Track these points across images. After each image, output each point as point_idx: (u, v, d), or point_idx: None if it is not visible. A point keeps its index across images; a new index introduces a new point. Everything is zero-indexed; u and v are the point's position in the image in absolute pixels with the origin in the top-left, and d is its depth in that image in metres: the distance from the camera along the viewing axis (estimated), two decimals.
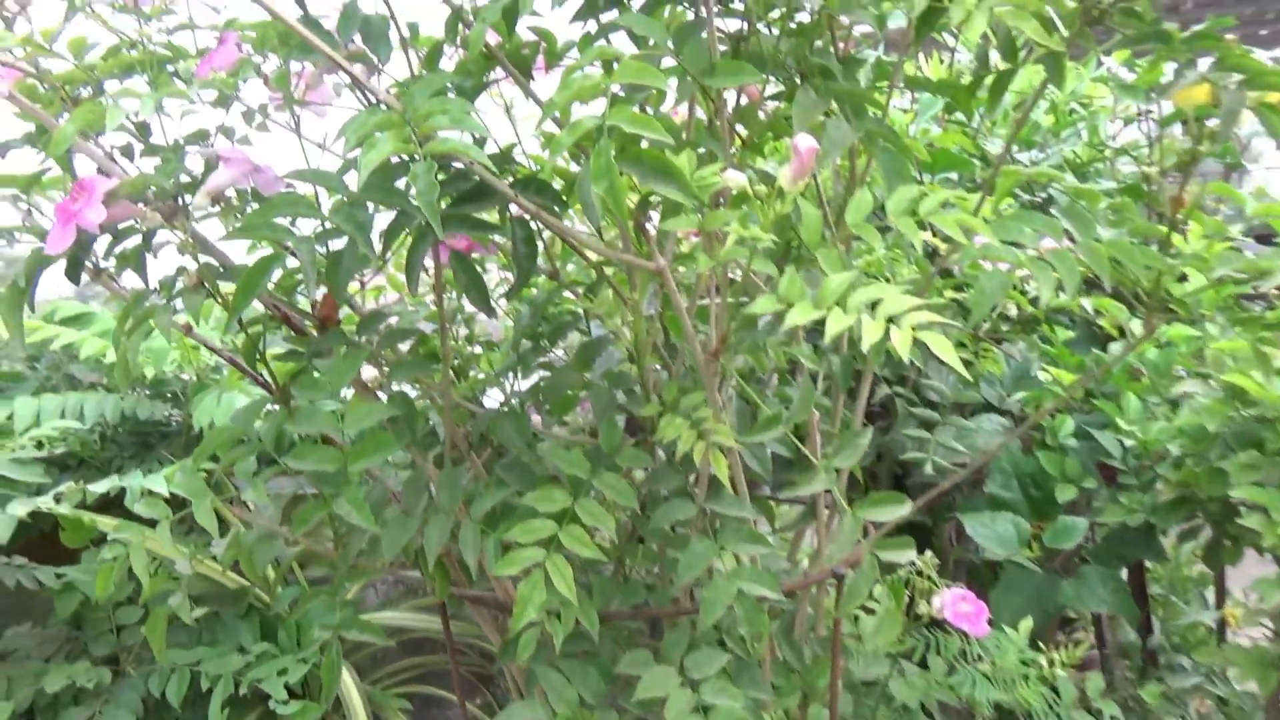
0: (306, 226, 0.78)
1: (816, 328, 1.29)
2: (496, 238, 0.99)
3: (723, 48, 0.81)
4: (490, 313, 0.88)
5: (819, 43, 0.86)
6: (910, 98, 1.62)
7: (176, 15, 1.08)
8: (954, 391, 1.60)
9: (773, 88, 0.95)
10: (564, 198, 0.88)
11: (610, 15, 0.80)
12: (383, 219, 0.81)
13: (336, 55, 0.72)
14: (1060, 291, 0.69)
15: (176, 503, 1.54)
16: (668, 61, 0.76)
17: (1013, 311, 1.60)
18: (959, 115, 1.73)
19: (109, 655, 1.58)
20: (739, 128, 0.93)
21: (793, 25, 0.85)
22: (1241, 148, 1.79)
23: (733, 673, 0.96)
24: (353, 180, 0.82)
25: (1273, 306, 1.16)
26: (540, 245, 1.24)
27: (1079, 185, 1.42)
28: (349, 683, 1.52)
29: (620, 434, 1.02)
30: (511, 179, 0.87)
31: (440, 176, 0.87)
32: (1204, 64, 0.72)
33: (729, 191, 0.71)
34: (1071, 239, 0.72)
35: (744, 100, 0.95)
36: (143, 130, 0.94)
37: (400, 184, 0.76)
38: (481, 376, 1.25)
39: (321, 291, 0.84)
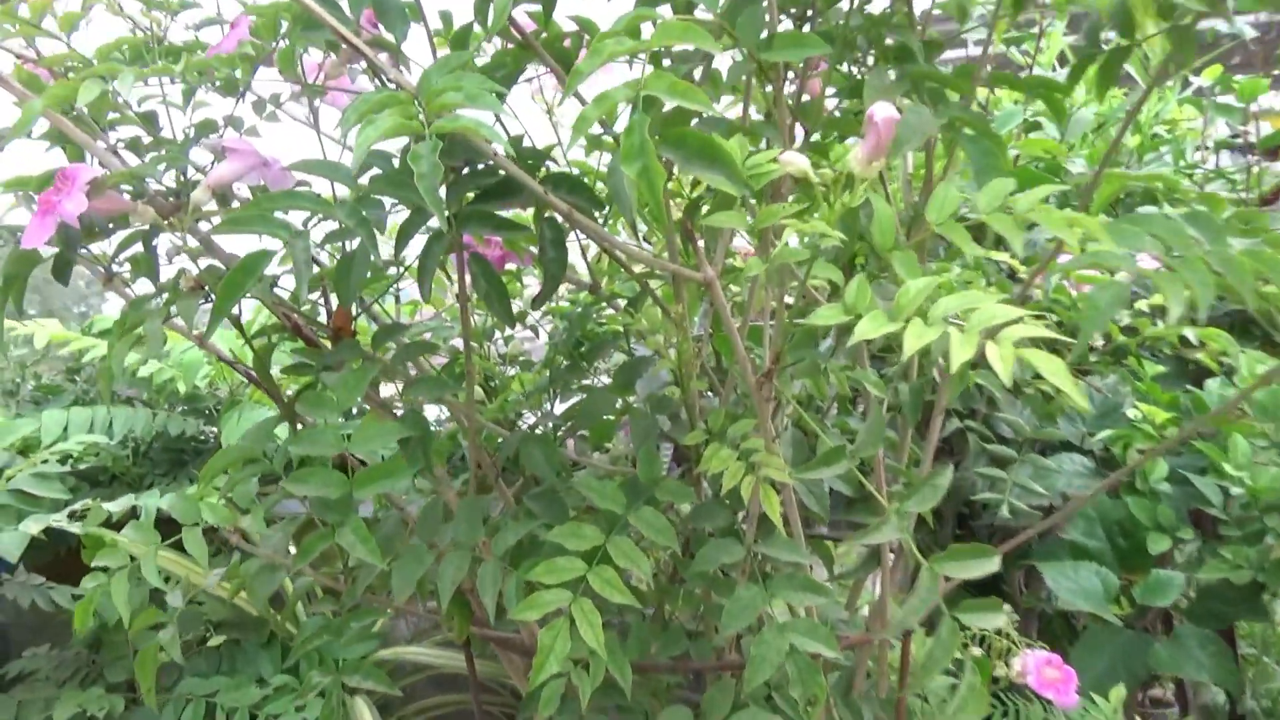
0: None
1: (882, 354, 1.16)
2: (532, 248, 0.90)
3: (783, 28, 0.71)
4: (511, 323, 0.78)
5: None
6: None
7: (202, 9, 1.03)
8: (1030, 427, 1.46)
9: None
10: (602, 201, 0.79)
11: None
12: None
13: (344, 29, 0.63)
14: (1186, 310, 0.57)
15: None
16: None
17: (1099, 340, 1.47)
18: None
19: (125, 681, 1.51)
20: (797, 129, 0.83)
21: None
22: None
23: None
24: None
25: None
26: (582, 257, 1.15)
27: (1201, 192, 1.28)
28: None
29: (660, 465, 0.91)
30: (542, 176, 0.78)
31: (465, 171, 0.79)
32: None
33: (787, 184, 0.61)
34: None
35: (805, 98, 0.85)
36: (149, 122, 0.87)
37: None
38: (516, 397, 1.15)
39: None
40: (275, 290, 0.86)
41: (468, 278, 0.77)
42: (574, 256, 1.04)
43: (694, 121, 0.67)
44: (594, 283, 1.10)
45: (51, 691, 1.45)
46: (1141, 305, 1.30)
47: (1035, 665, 0.92)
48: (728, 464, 0.81)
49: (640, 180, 0.50)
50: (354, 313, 0.92)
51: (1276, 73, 1.91)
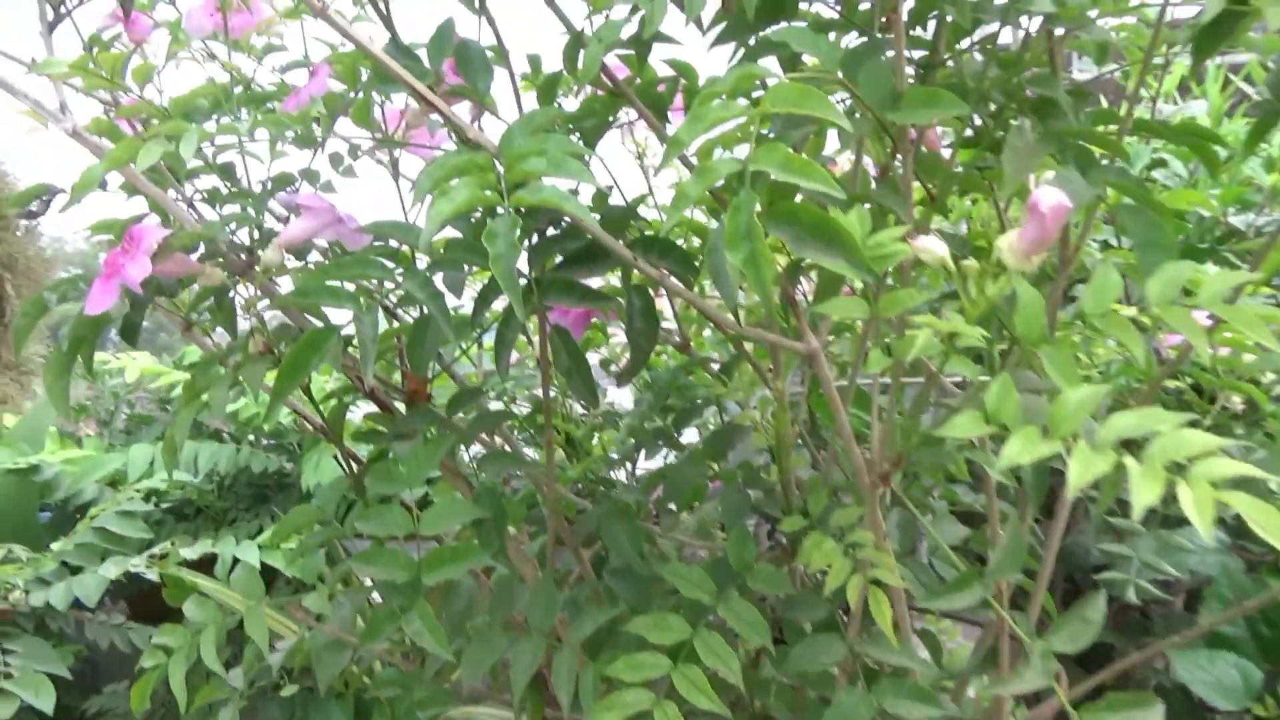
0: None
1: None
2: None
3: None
4: (594, 403, 0.71)
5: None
6: None
7: (288, 52, 1.00)
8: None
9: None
10: (696, 261, 0.71)
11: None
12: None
13: (419, 85, 0.58)
14: None
15: (269, 571, 1.45)
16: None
17: (1238, 405, 1.32)
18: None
19: None
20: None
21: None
22: None
23: None
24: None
25: None
26: (670, 305, 1.08)
27: None
28: None
29: (753, 548, 0.83)
30: (632, 238, 0.71)
31: (549, 232, 0.73)
32: None
33: (909, 264, 0.53)
34: None
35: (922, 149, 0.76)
36: (228, 173, 0.84)
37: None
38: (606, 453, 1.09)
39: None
40: (349, 350, 0.81)
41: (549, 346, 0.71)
42: (661, 302, 0.98)
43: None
44: (683, 338, 1.03)
45: None
46: None
47: None
48: (832, 559, 0.73)
49: (747, 268, 0.43)
50: (432, 373, 0.87)
51: None
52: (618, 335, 1.22)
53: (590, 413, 1.17)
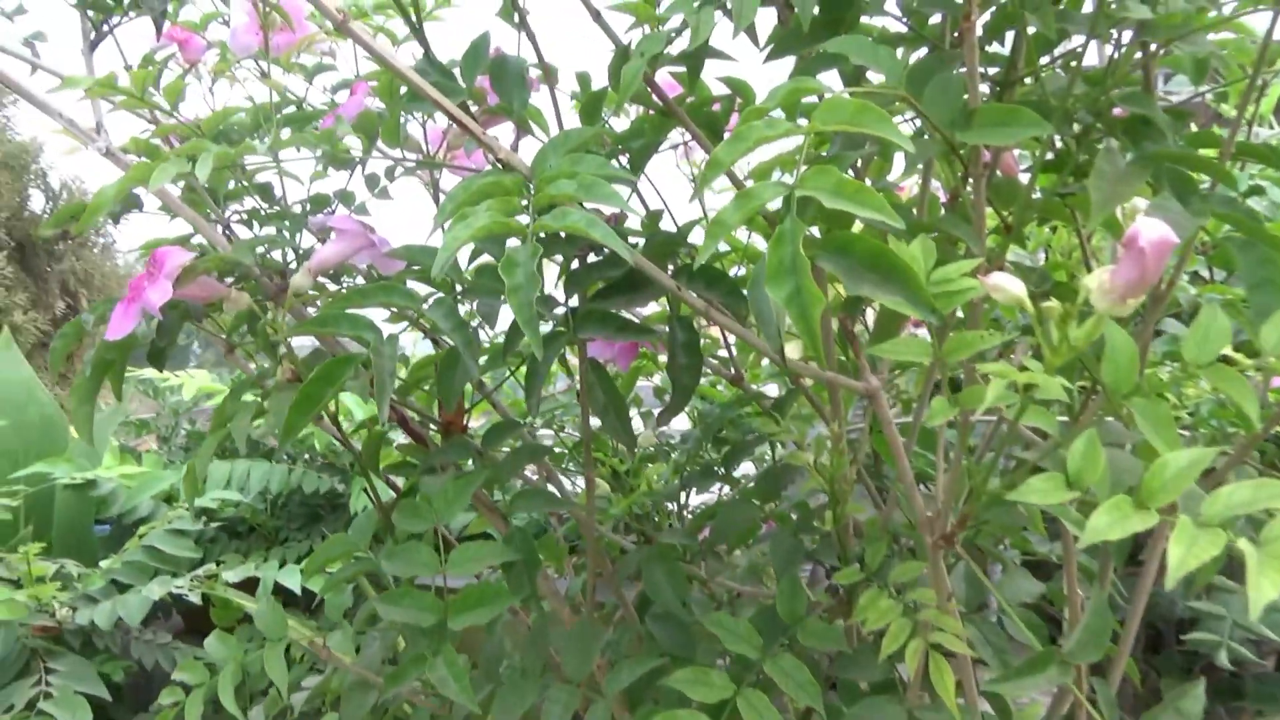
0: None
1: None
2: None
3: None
4: (630, 446, 0.67)
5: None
6: None
7: (338, 71, 0.98)
8: None
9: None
10: (745, 290, 0.66)
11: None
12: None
13: (449, 103, 0.54)
14: None
15: (308, 596, 1.43)
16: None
17: None
18: None
19: None
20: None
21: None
22: None
23: None
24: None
25: None
26: (723, 336, 1.03)
27: None
28: None
29: (805, 599, 0.77)
30: (678, 266, 0.67)
31: (589, 258, 0.69)
32: None
33: (980, 299, 0.47)
34: None
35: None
36: (267, 193, 0.82)
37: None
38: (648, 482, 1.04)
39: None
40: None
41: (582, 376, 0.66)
42: (717, 329, 0.92)
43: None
44: (736, 371, 0.97)
45: None
46: None
47: None
48: (890, 618, 0.66)
49: (790, 306, 0.38)
50: (472, 401, 0.84)
51: None
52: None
53: (639, 445, 1.12)
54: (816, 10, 0.55)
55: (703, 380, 1.14)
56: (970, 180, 0.55)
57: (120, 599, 1.25)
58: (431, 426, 0.81)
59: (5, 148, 3.63)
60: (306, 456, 1.85)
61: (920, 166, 0.70)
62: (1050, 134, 0.43)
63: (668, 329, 0.66)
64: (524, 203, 0.48)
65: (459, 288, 0.65)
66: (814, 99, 0.46)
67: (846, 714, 0.74)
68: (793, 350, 0.87)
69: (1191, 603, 1.17)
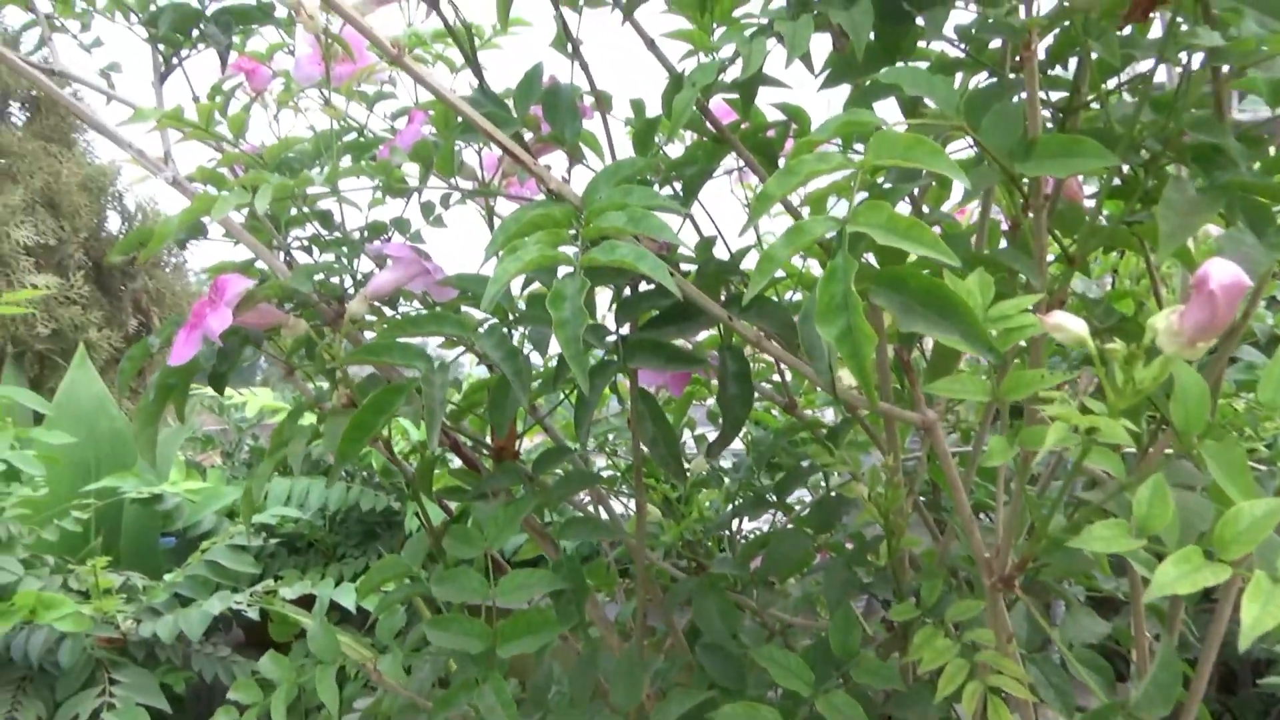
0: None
1: None
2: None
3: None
4: (680, 479, 0.66)
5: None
6: None
7: (397, 99, 1.00)
8: None
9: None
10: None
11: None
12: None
13: (500, 134, 0.54)
14: None
15: (364, 612, 1.44)
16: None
17: None
18: None
19: None
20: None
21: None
22: None
23: None
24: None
25: None
26: (777, 364, 1.02)
27: None
28: None
29: (858, 634, 0.76)
30: (730, 294, 0.66)
31: (642, 287, 0.69)
32: None
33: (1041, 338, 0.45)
34: None
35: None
36: (327, 220, 0.83)
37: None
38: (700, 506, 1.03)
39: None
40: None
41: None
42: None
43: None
44: (790, 398, 0.96)
45: None
46: None
47: None
48: (946, 658, 0.64)
49: (841, 345, 0.37)
50: (522, 426, 0.84)
51: None
52: None
53: (690, 472, 1.11)
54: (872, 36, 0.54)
55: (756, 404, 1.13)
56: (1030, 207, 0.53)
57: (182, 613, 1.28)
58: (483, 450, 0.81)
59: (85, 171, 3.78)
60: (364, 474, 1.88)
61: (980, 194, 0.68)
62: (1115, 165, 0.41)
63: (718, 357, 0.65)
64: (573, 233, 0.48)
65: (511, 315, 0.66)
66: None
67: None
68: (846, 379, 0.86)
69: (1268, 645, 1.11)
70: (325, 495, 1.68)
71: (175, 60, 0.77)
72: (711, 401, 1.16)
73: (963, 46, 0.60)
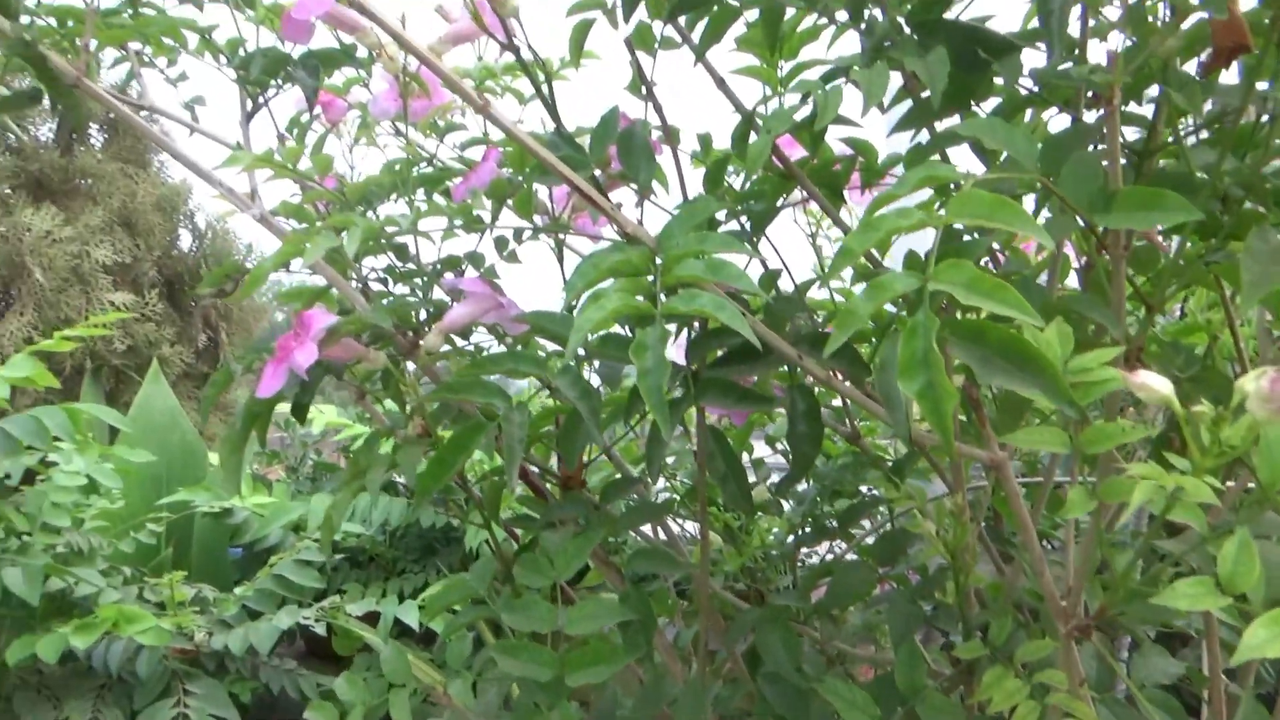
0: None
1: None
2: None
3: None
4: (749, 512, 0.67)
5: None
6: None
7: (468, 130, 1.02)
8: None
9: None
10: (868, 365, 0.66)
11: (950, 122, 0.58)
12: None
13: (577, 177, 0.56)
14: None
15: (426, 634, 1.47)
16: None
17: None
18: None
19: None
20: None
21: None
22: None
23: None
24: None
25: None
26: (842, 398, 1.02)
27: None
28: None
29: (924, 670, 0.75)
30: (799, 333, 0.67)
31: (711, 324, 0.70)
32: None
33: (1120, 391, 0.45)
34: None
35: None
36: (402, 253, 0.86)
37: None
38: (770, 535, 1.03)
39: None
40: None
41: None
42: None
43: None
44: (853, 427, 0.96)
45: None
46: None
47: None
48: (1016, 700, 0.64)
49: (923, 401, 0.38)
50: (590, 455, 0.85)
51: None
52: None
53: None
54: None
55: None
56: (1108, 253, 0.53)
57: (252, 626, 1.31)
58: (550, 478, 0.83)
59: (160, 191, 3.92)
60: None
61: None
62: (1196, 218, 0.41)
63: (787, 395, 0.66)
64: (651, 279, 0.49)
65: (582, 352, 0.67)
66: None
67: None
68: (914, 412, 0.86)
69: None
70: (387, 511, 1.71)
71: (261, 100, 0.80)
72: (771, 428, 1.16)
73: (1038, 91, 0.60)
